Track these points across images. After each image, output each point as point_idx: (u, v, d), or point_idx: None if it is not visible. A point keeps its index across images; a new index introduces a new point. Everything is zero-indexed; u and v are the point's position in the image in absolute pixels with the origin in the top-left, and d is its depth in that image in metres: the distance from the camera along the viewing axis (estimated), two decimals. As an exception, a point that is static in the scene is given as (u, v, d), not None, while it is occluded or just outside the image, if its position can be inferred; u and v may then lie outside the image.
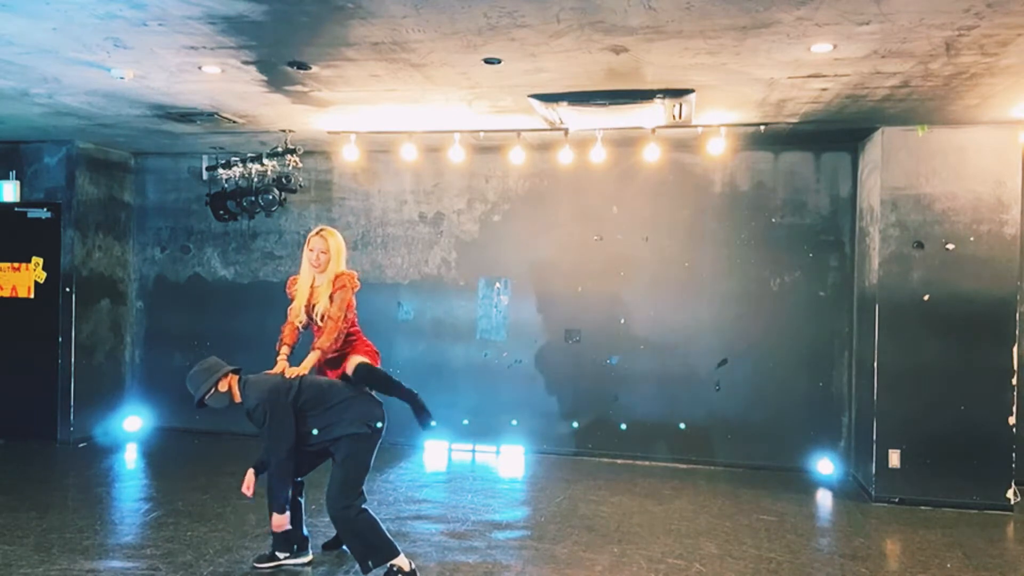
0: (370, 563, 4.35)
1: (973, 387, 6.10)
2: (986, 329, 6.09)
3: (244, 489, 4.55)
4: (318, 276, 4.82)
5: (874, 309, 6.34)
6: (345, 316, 4.74)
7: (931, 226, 6.20)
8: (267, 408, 4.33)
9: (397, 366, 7.63)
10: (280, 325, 4.92)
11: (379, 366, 4.86)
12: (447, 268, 7.89)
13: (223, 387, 4.42)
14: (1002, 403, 6.07)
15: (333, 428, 4.41)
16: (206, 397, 4.41)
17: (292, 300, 4.90)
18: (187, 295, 8.43)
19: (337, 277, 4.79)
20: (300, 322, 4.86)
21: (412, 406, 4.60)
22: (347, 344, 4.82)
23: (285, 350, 4.85)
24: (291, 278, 5.00)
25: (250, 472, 4.56)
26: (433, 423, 4.64)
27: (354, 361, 4.70)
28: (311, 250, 4.80)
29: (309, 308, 4.80)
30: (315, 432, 4.42)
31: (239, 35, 4.27)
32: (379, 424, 4.48)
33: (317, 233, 4.83)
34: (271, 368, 4.66)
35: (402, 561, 4.39)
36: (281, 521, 4.46)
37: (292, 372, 4.55)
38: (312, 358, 4.72)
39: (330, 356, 4.77)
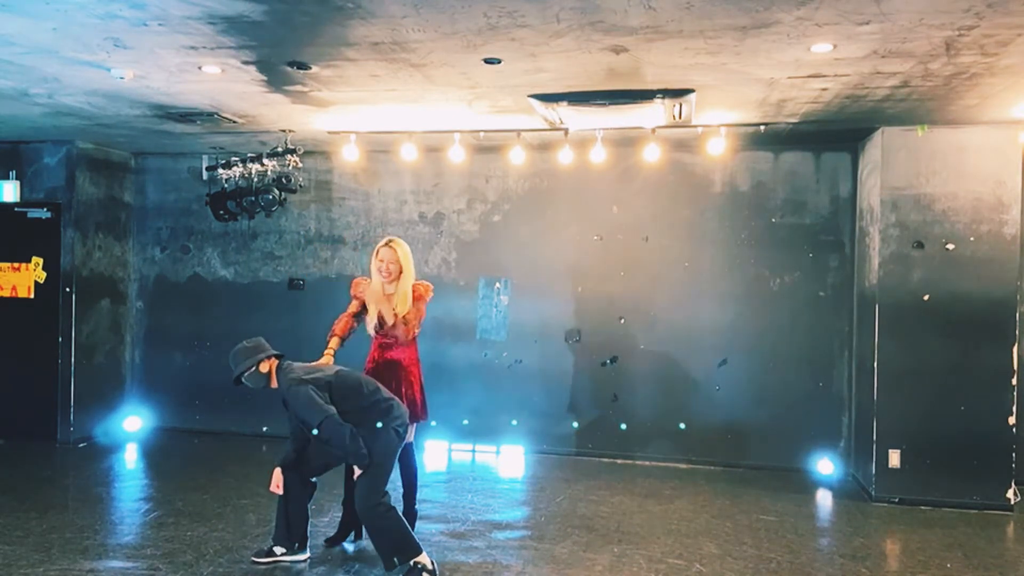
0: (396, 559, 4.39)
1: (973, 387, 6.10)
2: (986, 329, 6.09)
3: (273, 488, 4.64)
4: (387, 285, 4.96)
5: (874, 309, 6.34)
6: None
7: (931, 226, 6.20)
8: (300, 389, 4.34)
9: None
10: (330, 322, 5.09)
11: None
12: (447, 268, 7.88)
13: (263, 368, 4.47)
14: (1002, 403, 6.07)
15: (361, 427, 4.43)
16: (244, 375, 4.45)
17: (354, 299, 5.03)
18: (187, 295, 8.43)
19: (415, 287, 4.98)
20: (375, 329, 4.96)
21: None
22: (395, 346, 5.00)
23: (335, 342, 4.98)
24: (356, 280, 5.12)
25: (277, 471, 4.65)
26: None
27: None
28: (380, 260, 4.93)
29: (383, 316, 4.91)
30: None
31: (239, 35, 4.27)
32: (404, 431, 4.56)
33: (385, 244, 4.97)
34: (310, 361, 4.77)
35: (425, 559, 4.45)
36: (362, 463, 4.40)
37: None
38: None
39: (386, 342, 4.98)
